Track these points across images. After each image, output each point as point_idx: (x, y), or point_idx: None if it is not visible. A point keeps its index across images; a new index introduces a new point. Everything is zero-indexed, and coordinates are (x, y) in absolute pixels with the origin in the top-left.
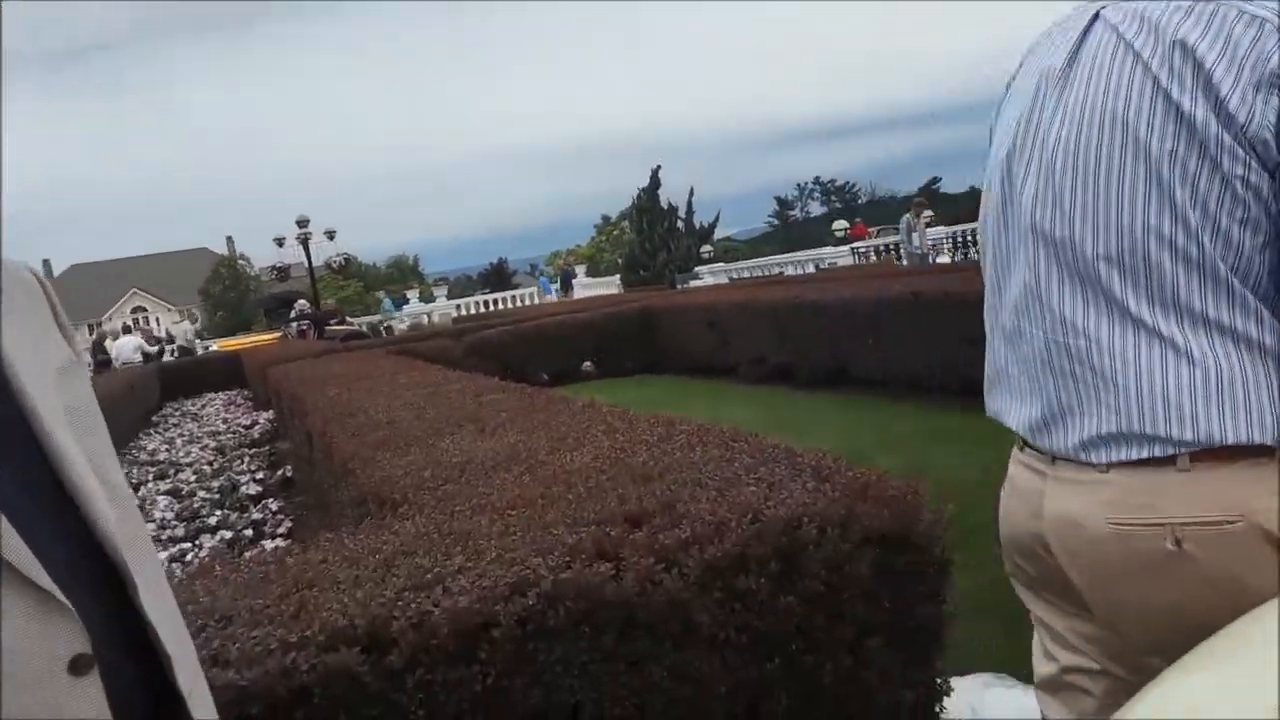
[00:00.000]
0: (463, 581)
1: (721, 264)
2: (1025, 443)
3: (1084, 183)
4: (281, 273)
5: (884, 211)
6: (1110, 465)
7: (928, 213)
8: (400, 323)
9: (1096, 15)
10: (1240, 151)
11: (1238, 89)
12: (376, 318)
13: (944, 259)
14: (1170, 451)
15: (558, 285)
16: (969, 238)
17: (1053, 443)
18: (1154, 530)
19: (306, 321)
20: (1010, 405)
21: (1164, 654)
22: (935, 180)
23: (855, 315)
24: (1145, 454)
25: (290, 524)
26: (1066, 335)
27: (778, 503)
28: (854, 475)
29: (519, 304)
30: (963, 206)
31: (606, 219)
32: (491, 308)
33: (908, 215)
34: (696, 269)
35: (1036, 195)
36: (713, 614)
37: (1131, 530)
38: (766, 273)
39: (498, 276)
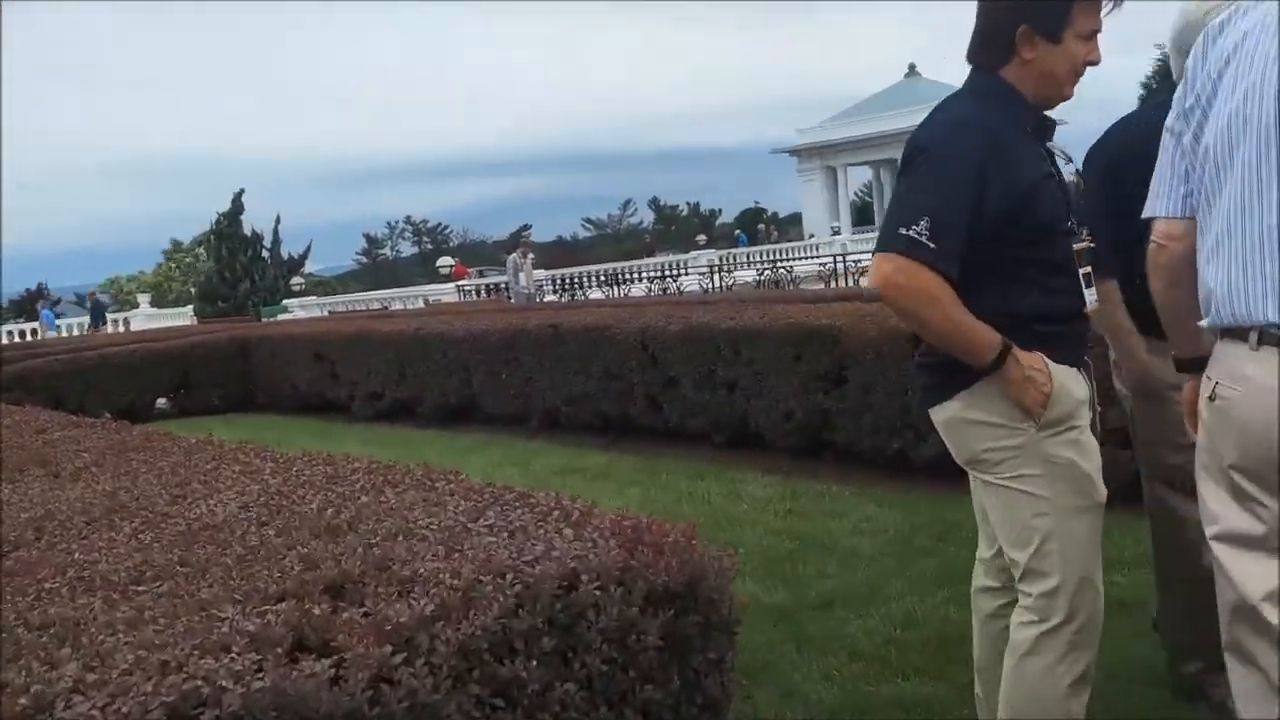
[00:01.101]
0: (84, 708)
1: (314, 297)
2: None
3: None
4: None
5: (477, 254)
6: None
7: (531, 255)
8: None
9: None
10: None
11: None
12: None
13: (550, 298)
14: None
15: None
16: (571, 281)
17: None
18: None
19: None
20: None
21: None
22: (526, 226)
23: (488, 348)
24: None
25: None
26: None
27: (536, 557)
28: (618, 519)
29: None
30: (551, 254)
31: (177, 244)
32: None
33: (514, 255)
34: (285, 302)
35: None
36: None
37: None
38: (369, 307)
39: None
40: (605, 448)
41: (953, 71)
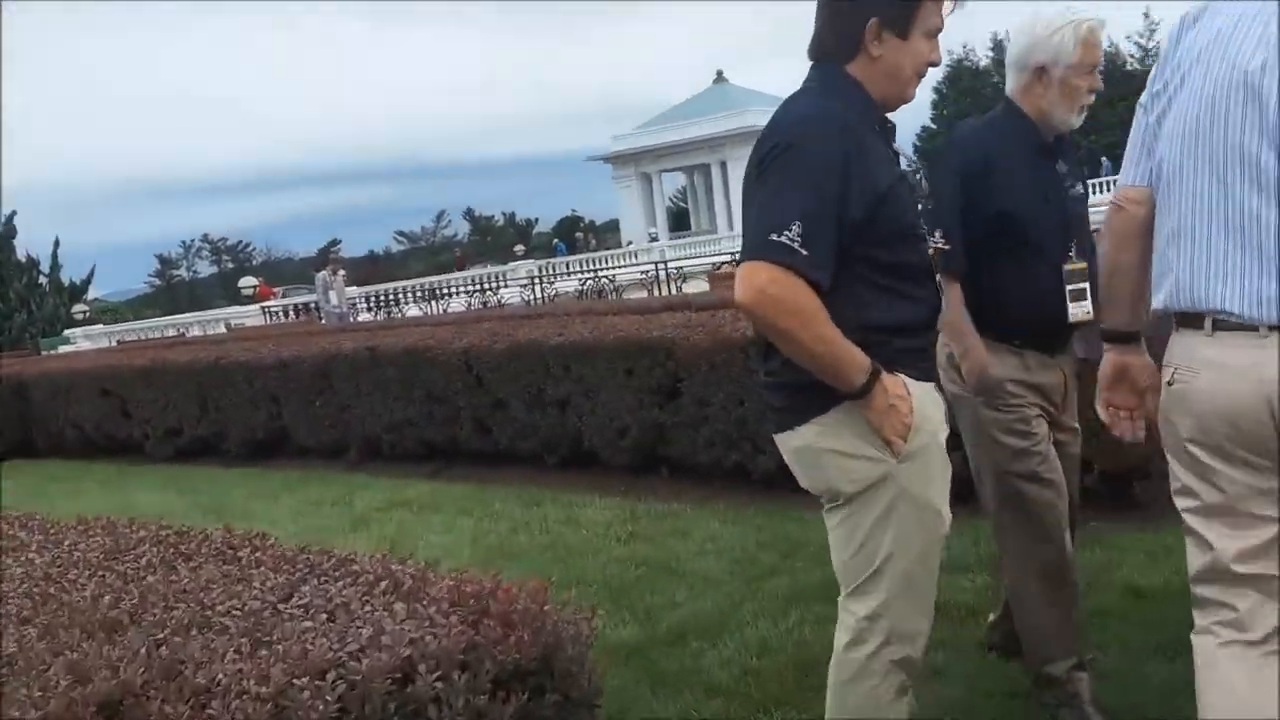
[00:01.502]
0: None
1: (102, 325)
2: (1220, 326)
3: None
4: None
5: (282, 272)
6: None
7: (342, 271)
8: None
9: None
10: None
11: None
12: None
13: (365, 316)
14: None
15: None
16: (386, 297)
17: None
18: None
19: None
20: (1233, 288)
21: None
22: (336, 242)
23: (300, 375)
24: None
25: None
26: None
27: (363, 645)
28: (458, 584)
29: None
30: (363, 269)
31: None
32: None
33: (324, 272)
34: (67, 332)
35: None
36: None
37: None
38: (164, 334)
39: None
40: (432, 476)
41: (760, 76)
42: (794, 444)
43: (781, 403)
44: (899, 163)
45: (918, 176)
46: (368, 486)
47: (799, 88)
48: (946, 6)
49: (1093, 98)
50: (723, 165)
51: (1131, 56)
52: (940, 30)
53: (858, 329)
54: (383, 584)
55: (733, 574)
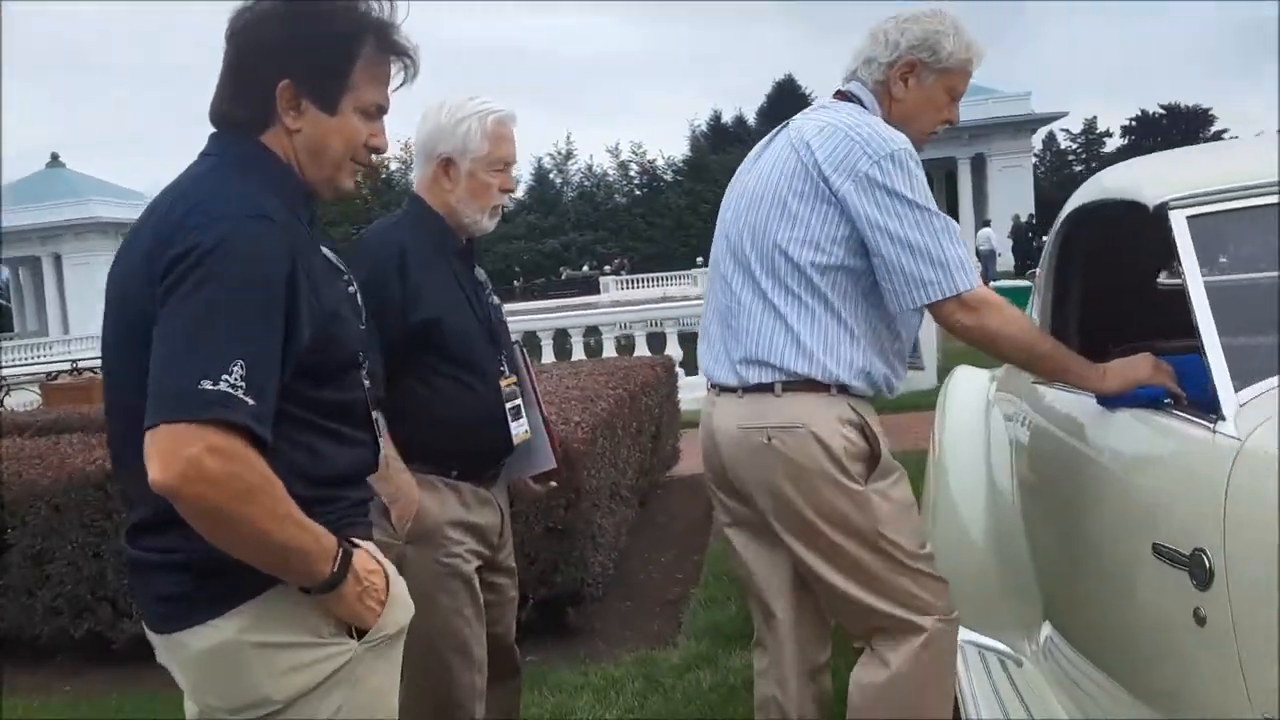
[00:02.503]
0: None
1: None
2: (711, 384)
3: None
4: None
5: None
6: (743, 390)
7: None
8: None
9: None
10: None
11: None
12: None
13: None
14: (771, 379)
15: None
16: None
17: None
18: (756, 431)
19: None
20: (708, 358)
21: (779, 519)
22: None
23: None
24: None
25: None
26: (732, 301)
27: None
28: None
29: None
30: None
31: None
32: None
33: None
34: None
35: (735, 221)
36: None
37: (754, 431)
38: None
39: None
40: None
41: (99, 163)
42: (201, 644)
43: (179, 588)
44: (343, 270)
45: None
46: None
47: (198, 161)
48: (394, 78)
49: (506, 199)
50: (56, 258)
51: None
52: (384, 110)
53: (306, 487)
54: None
55: None
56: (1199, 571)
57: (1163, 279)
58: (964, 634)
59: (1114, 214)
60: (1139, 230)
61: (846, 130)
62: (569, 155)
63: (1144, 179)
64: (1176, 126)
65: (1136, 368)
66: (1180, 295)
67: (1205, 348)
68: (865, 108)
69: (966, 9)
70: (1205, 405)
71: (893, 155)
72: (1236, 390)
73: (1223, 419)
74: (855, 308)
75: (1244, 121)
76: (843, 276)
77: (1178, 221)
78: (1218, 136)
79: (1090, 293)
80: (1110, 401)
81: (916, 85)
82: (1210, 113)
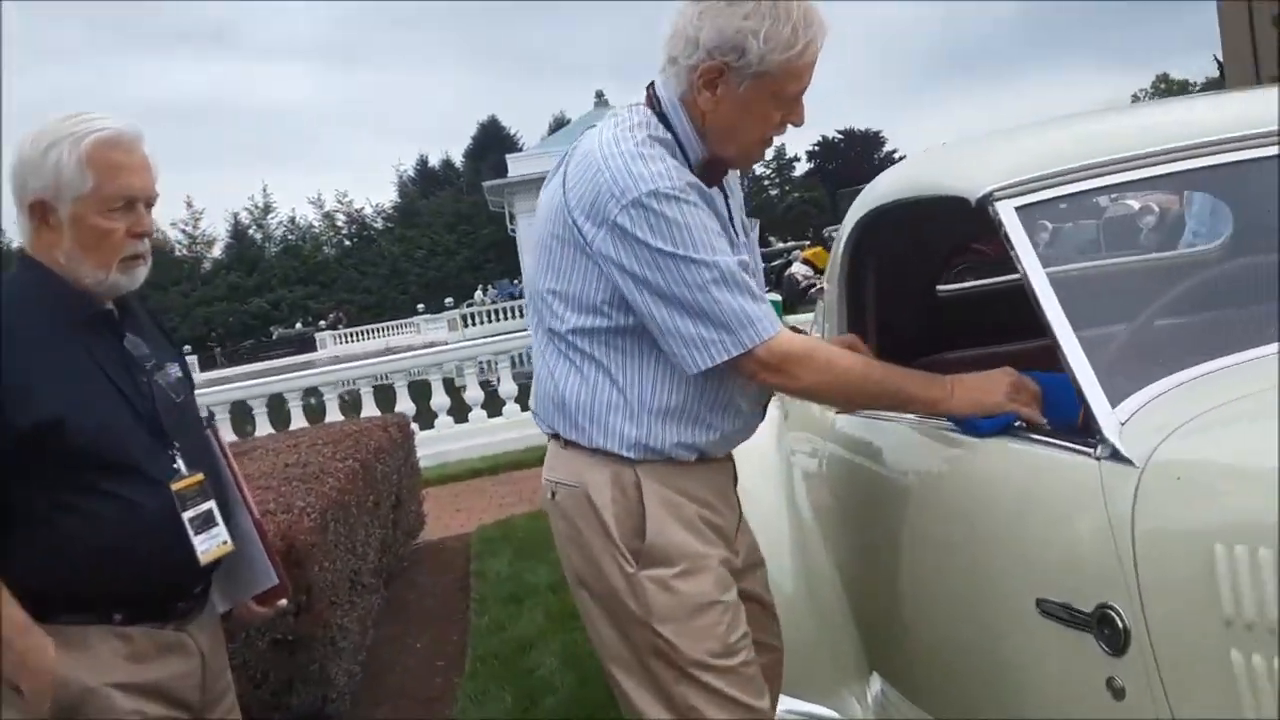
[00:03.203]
0: None
1: None
2: None
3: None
4: None
5: None
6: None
7: None
8: None
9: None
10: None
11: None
12: None
13: None
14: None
15: None
16: None
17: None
18: (546, 484)
19: None
20: None
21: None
22: None
23: None
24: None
25: None
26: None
27: None
28: None
29: None
30: None
31: None
32: None
33: None
34: None
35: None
36: None
37: (546, 483)
38: None
39: None
40: None
41: None
42: None
43: None
44: None
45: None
46: None
47: None
48: None
49: (143, 245)
50: None
51: (179, 243)
52: None
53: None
54: None
55: None
56: (1109, 634)
57: (942, 287)
58: (784, 703)
59: (914, 215)
60: (945, 228)
61: (599, 166)
62: (268, 209)
63: (958, 170)
64: (854, 148)
65: (989, 390)
66: (984, 297)
67: (1064, 355)
68: (666, 115)
69: None
70: (1073, 428)
71: (638, 201)
72: (1113, 406)
73: (1104, 442)
74: (637, 371)
75: (911, 140)
76: (620, 338)
77: (1006, 213)
78: (890, 156)
79: (890, 301)
80: (974, 426)
81: (727, 93)
82: (881, 135)
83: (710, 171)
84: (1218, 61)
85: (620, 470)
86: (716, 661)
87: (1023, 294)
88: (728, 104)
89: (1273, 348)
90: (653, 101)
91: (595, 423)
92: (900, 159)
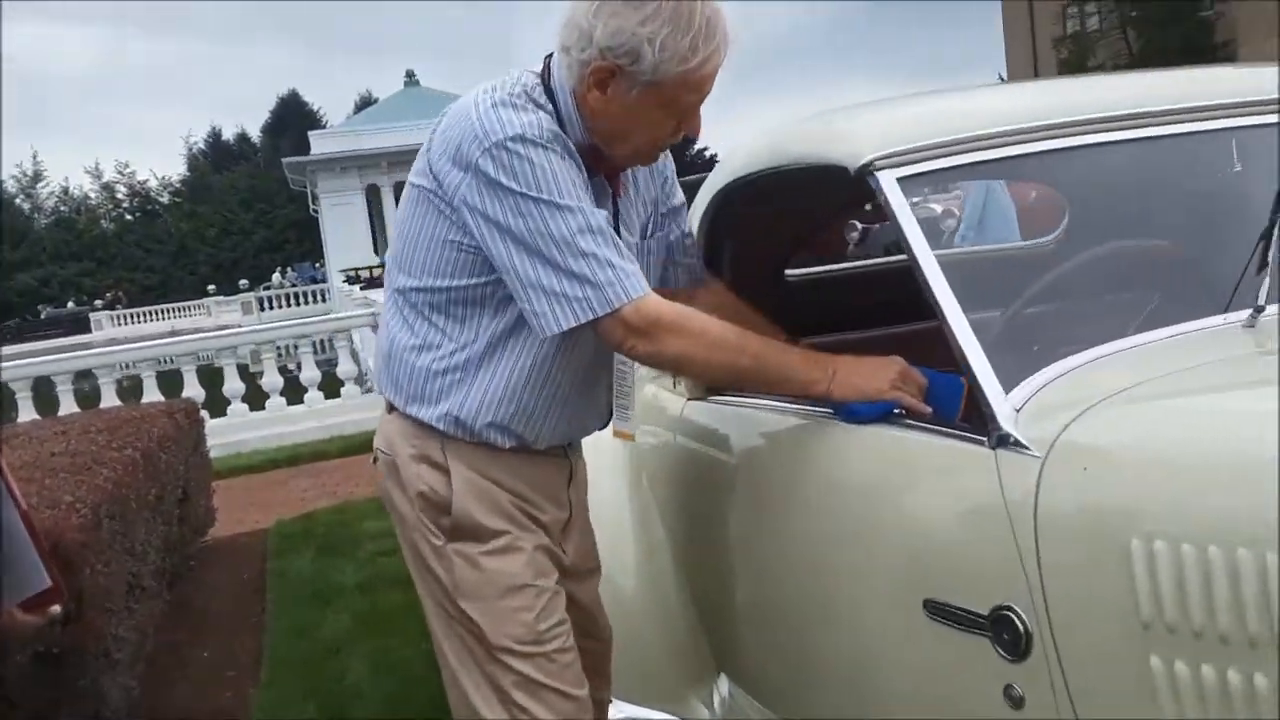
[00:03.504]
0: None
1: None
2: None
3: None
4: None
5: None
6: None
7: None
8: None
9: None
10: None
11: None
12: None
13: None
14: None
15: None
16: None
17: None
18: (375, 450)
19: None
20: None
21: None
22: None
23: None
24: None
25: None
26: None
27: None
28: None
29: None
30: None
31: None
32: None
33: None
34: None
35: None
36: None
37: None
38: None
39: None
40: None
41: None
42: None
43: None
44: None
45: None
46: None
47: None
48: None
49: None
50: None
51: None
52: None
53: None
54: None
55: None
56: (1008, 637)
57: (790, 271)
58: (622, 710)
59: (778, 186)
60: (810, 202)
61: (467, 116)
62: (38, 177)
63: (834, 137)
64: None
65: (872, 376)
66: (832, 282)
67: (953, 334)
68: (553, 91)
69: None
70: (962, 418)
71: (501, 144)
72: (1007, 391)
73: (999, 430)
74: (470, 339)
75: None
76: (458, 306)
77: (887, 183)
78: (700, 154)
79: (745, 284)
80: (852, 412)
81: (617, 96)
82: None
83: (592, 159)
84: (1001, 79)
85: (428, 443)
86: (522, 648)
87: (871, 280)
88: (618, 106)
89: (1168, 330)
90: (545, 75)
91: (412, 381)
92: (712, 157)
